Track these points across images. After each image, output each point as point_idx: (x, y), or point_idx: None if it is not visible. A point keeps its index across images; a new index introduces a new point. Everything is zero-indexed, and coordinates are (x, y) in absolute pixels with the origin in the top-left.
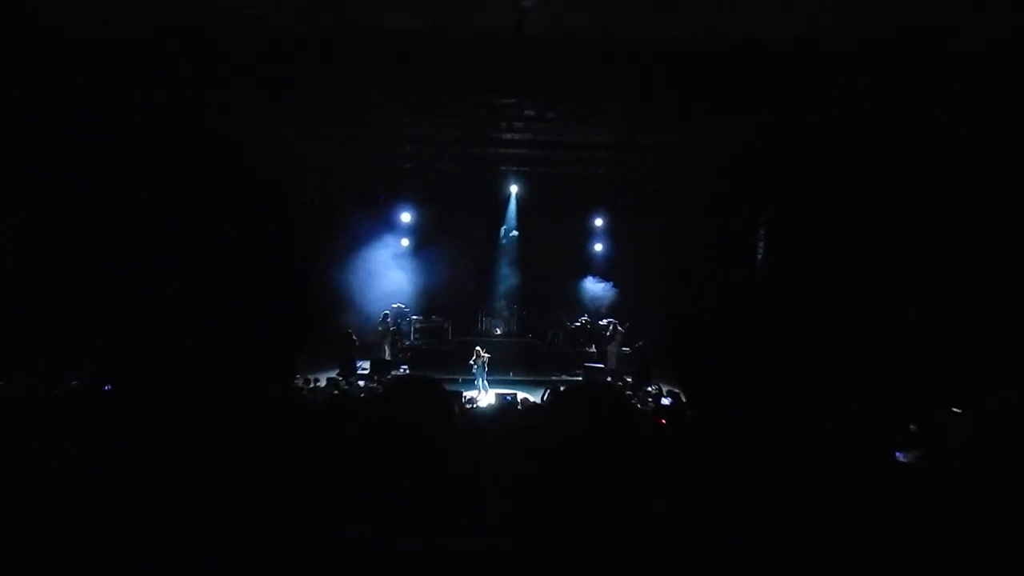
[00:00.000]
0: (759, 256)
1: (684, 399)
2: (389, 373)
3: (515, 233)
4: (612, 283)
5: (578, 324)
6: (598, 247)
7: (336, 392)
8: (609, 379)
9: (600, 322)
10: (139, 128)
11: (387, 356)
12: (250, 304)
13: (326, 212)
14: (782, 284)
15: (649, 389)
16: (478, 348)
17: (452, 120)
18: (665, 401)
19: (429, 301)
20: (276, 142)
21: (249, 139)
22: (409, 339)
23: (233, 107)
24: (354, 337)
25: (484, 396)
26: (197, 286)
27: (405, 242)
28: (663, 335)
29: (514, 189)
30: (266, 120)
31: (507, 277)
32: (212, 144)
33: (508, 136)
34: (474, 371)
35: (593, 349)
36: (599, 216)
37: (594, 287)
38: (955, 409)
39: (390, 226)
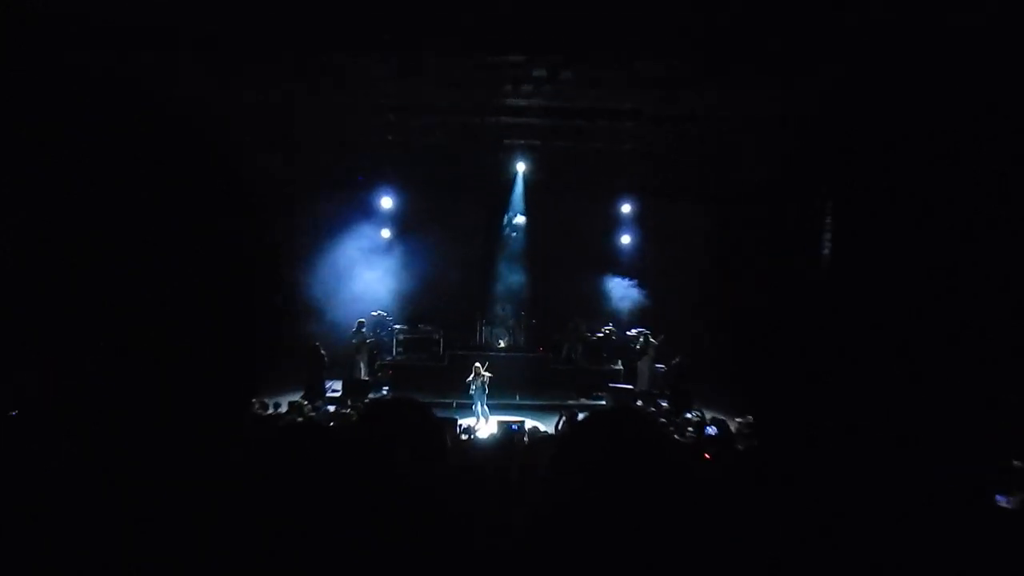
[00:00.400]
0: (824, 250)
1: (733, 428)
2: (365, 396)
3: (522, 222)
4: (641, 284)
5: (600, 335)
6: (625, 240)
7: (299, 419)
8: (640, 403)
9: (628, 333)
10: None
11: (363, 375)
12: (194, 310)
13: (288, 198)
14: (854, 283)
15: (689, 416)
16: (477, 365)
17: (445, 83)
18: (710, 431)
19: (415, 306)
20: (227, 111)
21: (192, 109)
22: (391, 353)
23: (172, 66)
24: (322, 351)
25: (484, 424)
26: (126, 288)
27: (386, 234)
28: (705, 348)
29: (521, 168)
30: (212, 83)
31: (512, 276)
32: (144, 113)
33: (514, 102)
34: (472, 393)
35: (619, 366)
36: (626, 201)
37: (620, 289)
38: None
39: (367, 214)
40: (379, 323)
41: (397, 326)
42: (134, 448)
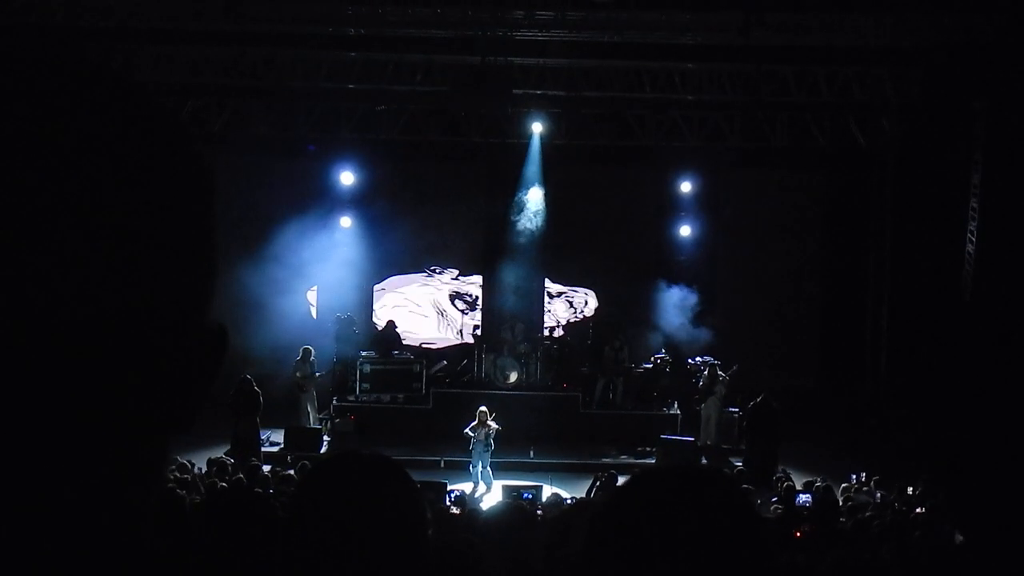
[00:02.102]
0: (970, 241)
1: (840, 498)
2: (315, 450)
3: (537, 204)
4: (705, 293)
5: (649, 366)
6: (685, 231)
7: (222, 485)
8: (704, 462)
9: (689, 363)
10: None
11: (310, 421)
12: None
13: (207, 171)
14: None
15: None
16: (483, 410)
17: (429, 2)
18: (802, 499)
19: (388, 326)
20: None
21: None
22: (355, 392)
23: None
24: (256, 388)
25: (485, 492)
26: None
27: (346, 222)
28: (798, 379)
29: (537, 130)
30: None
31: (524, 282)
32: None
33: (527, 35)
34: (471, 448)
35: (676, 410)
36: (687, 177)
37: (677, 300)
38: None
39: (321, 194)
40: (343, 330)
41: (364, 353)
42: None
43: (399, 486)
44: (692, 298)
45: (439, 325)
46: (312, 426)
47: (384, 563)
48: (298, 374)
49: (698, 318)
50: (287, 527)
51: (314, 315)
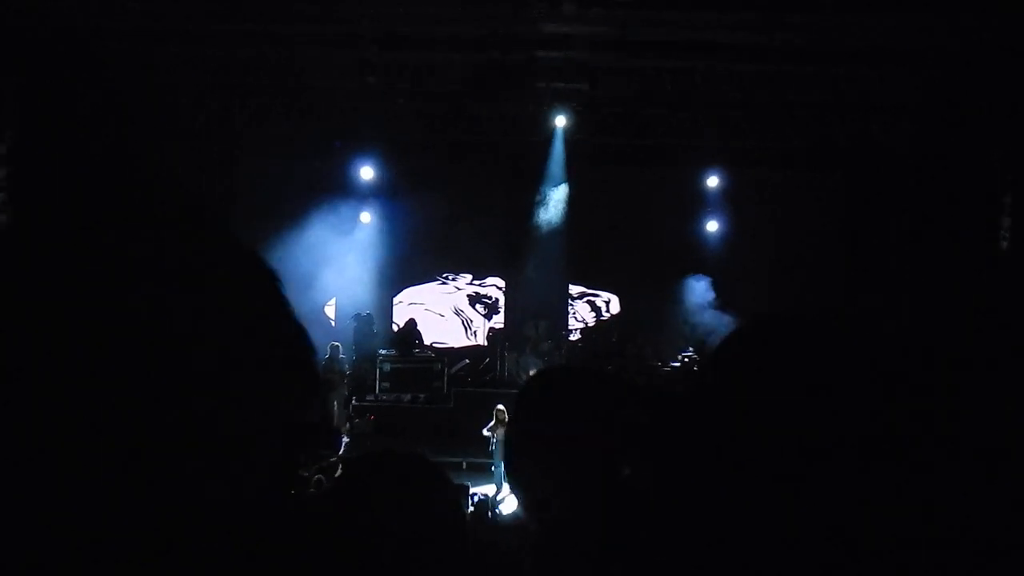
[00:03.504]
0: (1003, 240)
1: None
2: (336, 451)
3: (560, 202)
4: (724, 290)
5: (676, 364)
6: (712, 226)
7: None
8: None
9: None
10: None
11: (335, 420)
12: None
13: (227, 169)
14: None
15: None
16: (501, 408)
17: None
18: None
19: (408, 323)
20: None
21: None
22: (375, 391)
23: None
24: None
25: (508, 494)
26: None
27: (366, 218)
28: None
29: (560, 124)
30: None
31: (547, 279)
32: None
33: (551, 28)
34: (491, 448)
35: None
36: (713, 173)
37: (706, 298)
38: None
39: (343, 191)
40: (361, 328)
41: (382, 352)
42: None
43: (440, 486)
44: (719, 296)
45: (466, 332)
46: (337, 426)
47: (427, 564)
48: (327, 372)
49: (725, 316)
50: (320, 527)
51: (333, 324)
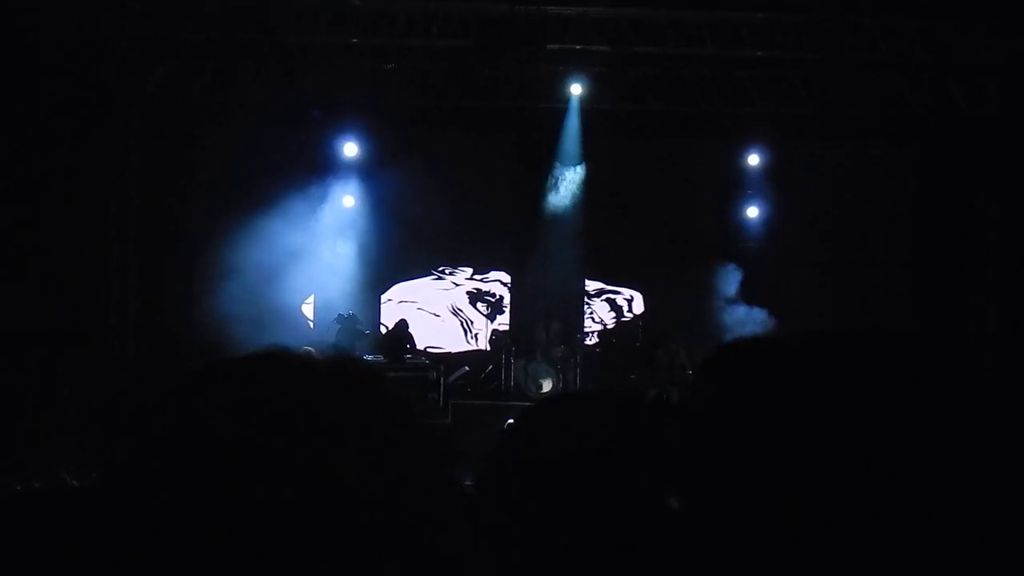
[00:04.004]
0: None
1: None
2: None
3: (573, 181)
4: (767, 284)
5: None
6: (752, 212)
7: None
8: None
9: None
10: None
11: None
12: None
13: (184, 143)
14: None
15: None
16: (512, 423)
17: None
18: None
19: (399, 325)
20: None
21: None
22: None
23: None
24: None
25: None
26: None
27: (349, 201)
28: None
29: (576, 92)
30: None
31: (560, 273)
32: None
33: None
34: None
35: None
36: (755, 148)
37: (746, 295)
38: None
39: (319, 169)
40: (346, 330)
41: (369, 358)
42: None
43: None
44: (761, 292)
45: (466, 335)
46: None
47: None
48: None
49: (770, 316)
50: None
51: (312, 326)
